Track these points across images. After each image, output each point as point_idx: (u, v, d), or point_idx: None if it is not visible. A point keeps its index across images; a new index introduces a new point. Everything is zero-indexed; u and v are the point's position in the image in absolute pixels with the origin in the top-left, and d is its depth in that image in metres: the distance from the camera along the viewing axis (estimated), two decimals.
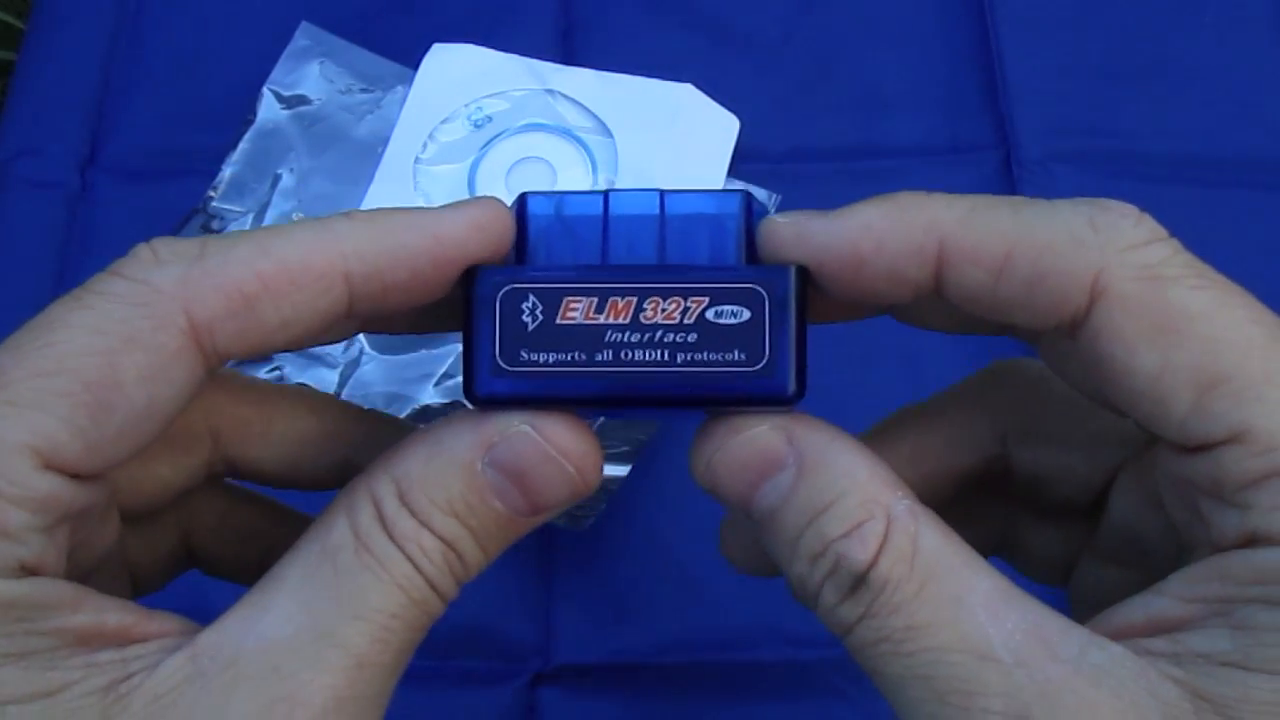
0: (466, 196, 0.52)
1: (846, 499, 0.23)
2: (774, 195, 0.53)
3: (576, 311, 0.23)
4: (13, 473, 0.21)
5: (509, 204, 0.25)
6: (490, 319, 0.23)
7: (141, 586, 0.28)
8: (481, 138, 0.54)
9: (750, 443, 0.23)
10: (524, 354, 0.23)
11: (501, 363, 0.23)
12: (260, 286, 0.22)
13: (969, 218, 0.22)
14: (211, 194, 0.53)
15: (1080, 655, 0.21)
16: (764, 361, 0.23)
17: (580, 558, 0.48)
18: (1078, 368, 0.24)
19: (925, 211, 0.23)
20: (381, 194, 0.53)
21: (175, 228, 0.52)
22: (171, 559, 0.29)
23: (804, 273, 0.23)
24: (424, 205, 0.24)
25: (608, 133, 0.53)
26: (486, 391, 0.23)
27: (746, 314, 0.23)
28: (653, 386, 0.23)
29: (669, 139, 0.53)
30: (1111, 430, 0.26)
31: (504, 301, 0.23)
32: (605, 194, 0.25)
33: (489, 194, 0.25)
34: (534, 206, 0.24)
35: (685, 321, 0.23)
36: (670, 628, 0.47)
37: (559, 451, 0.23)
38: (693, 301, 0.23)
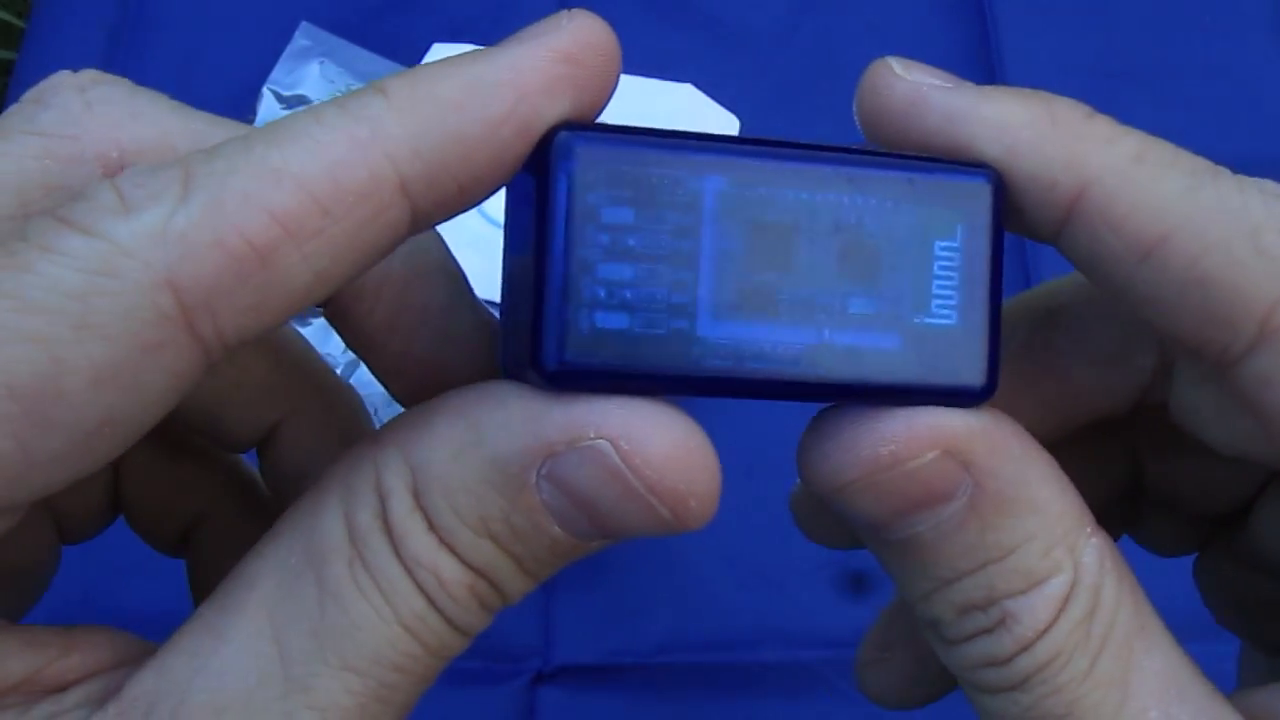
0: None
1: (1030, 545, 0.17)
2: None
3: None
4: None
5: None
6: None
7: (70, 533, 0.23)
8: None
9: (912, 476, 0.17)
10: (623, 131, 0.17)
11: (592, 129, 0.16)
12: (278, 231, 0.15)
13: (1129, 171, 0.17)
14: None
15: None
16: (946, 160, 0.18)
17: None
18: (1217, 429, 0.20)
19: (1078, 140, 0.17)
20: None
21: None
22: (101, 501, 0.23)
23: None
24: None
25: None
26: (573, 146, 0.16)
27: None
28: (815, 158, 0.17)
29: None
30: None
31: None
32: None
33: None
34: None
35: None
36: (670, 628, 0.47)
37: (649, 487, 0.16)
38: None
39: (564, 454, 0.16)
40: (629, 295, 0.16)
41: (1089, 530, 0.18)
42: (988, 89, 0.18)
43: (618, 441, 0.16)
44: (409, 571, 0.16)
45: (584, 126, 0.16)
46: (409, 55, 0.56)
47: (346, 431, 0.23)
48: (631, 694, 0.46)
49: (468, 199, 0.16)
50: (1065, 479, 0.18)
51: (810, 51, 0.58)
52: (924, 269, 0.17)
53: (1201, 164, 0.17)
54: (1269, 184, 0.18)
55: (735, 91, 0.55)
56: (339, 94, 0.57)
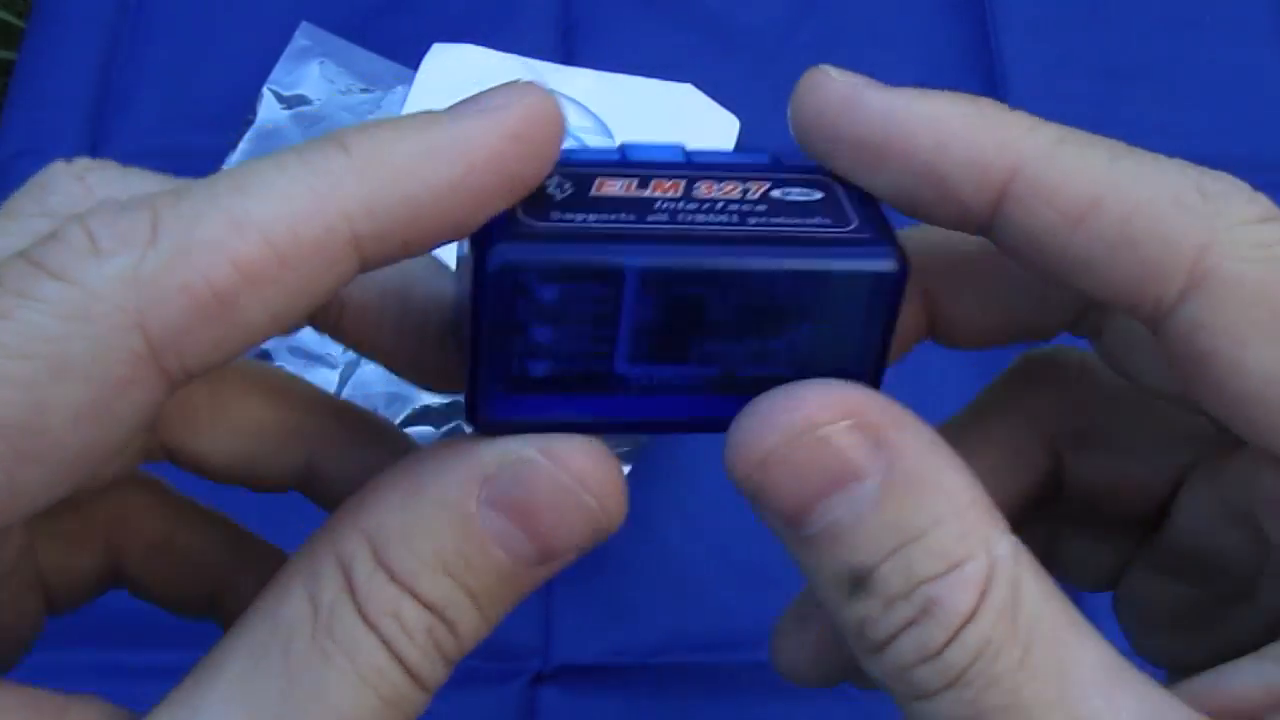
0: None
1: (944, 528, 0.18)
2: None
3: (614, 187, 0.19)
4: None
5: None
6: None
7: (56, 603, 0.24)
8: None
9: (825, 445, 0.18)
10: (554, 214, 0.18)
11: (524, 219, 0.18)
12: (238, 278, 0.16)
13: (1055, 149, 0.18)
14: None
15: None
16: (854, 226, 0.19)
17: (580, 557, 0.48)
18: (1149, 360, 0.20)
19: (1005, 128, 0.19)
20: None
21: None
22: (93, 576, 0.24)
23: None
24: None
25: (608, 133, 0.53)
26: (508, 256, 0.17)
27: (819, 193, 0.19)
28: (726, 251, 0.18)
29: (669, 139, 0.53)
30: (1178, 426, 0.23)
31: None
32: (620, 148, 0.21)
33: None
34: None
35: (749, 197, 0.19)
36: (670, 628, 0.47)
37: (574, 477, 0.18)
38: (752, 184, 0.19)
39: (498, 476, 0.18)
40: (553, 351, 0.18)
41: (1003, 526, 0.18)
42: (919, 90, 0.19)
43: (543, 447, 0.18)
44: (371, 626, 0.18)
45: (519, 226, 0.18)
46: (409, 55, 0.56)
47: (380, 451, 0.24)
48: (631, 694, 0.46)
49: (413, 253, 0.18)
50: (974, 476, 0.19)
51: (810, 51, 0.58)
52: (831, 326, 0.19)
53: (1118, 144, 0.19)
54: (1181, 160, 0.19)
55: (735, 91, 0.55)
56: (339, 94, 0.58)
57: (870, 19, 0.59)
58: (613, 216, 0.18)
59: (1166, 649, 0.25)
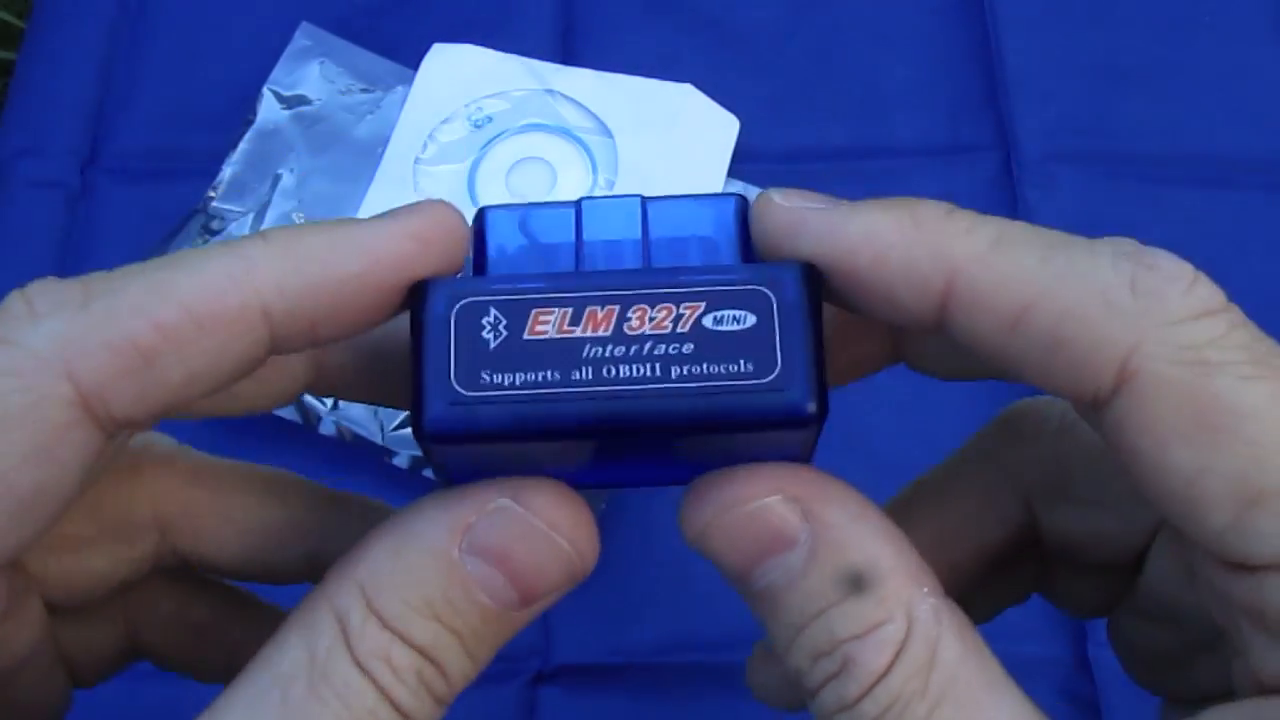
0: (466, 197, 0.52)
1: (865, 594, 0.19)
2: None
3: (548, 324, 0.20)
4: None
5: (485, 206, 0.22)
6: (444, 338, 0.19)
7: (81, 678, 0.25)
8: (481, 138, 0.54)
9: (756, 517, 0.20)
10: (484, 376, 0.19)
11: (458, 387, 0.19)
12: (159, 338, 0.18)
13: (988, 255, 0.19)
14: (211, 194, 0.53)
15: None
16: (776, 373, 0.19)
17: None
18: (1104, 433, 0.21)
19: (940, 236, 0.19)
20: (381, 194, 0.52)
21: (175, 228, 0.52)
22: (115, 653, 0.26)
23: (814, 270, 0.20)
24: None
25: (608, 133, 0.53)
26: (439, 427, 0.19)
27: (751, 319, 0.20)
28: (644, 408, 0.19)
29: (669, 139, 0.53)
30: None
31: (460, 317, 0.20)
32: (577, 205, 0.22)
33: (443, 199, 0.20)
34: (493, 222, 0.22)
35: (679, 330, 0.20)
36: (670, 628, 0.47)
37: (548, 524, 0.20)
38: (686, 308, 0.20)
39: (477, 523, 0.20)
40: (500, 459, 0.20)
41: (926, 589, 0.20)
42: (858, 204, 0.20)
43: (517, 495, 0.20)
44: (363, 670, 0.19)
45: (451, 392, 0.19)
46: (409, 55, 0.56)
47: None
48: (631, 694, 0.46)
49: (320, 337, 0.20)
50: (903, 539, 0.20)
51: (810, 51, 0.58)
52: (757, 445, 0.20)
53: (1055, 237, 0.19)
54: (1122, 242, 0.19)
55: (735, 91, 0.55)
56: (339, 94, 0.58)
57: (870, 19, 0.59)
58: (538, 376, 0.19)
59: (1156, 681, 0.26)
